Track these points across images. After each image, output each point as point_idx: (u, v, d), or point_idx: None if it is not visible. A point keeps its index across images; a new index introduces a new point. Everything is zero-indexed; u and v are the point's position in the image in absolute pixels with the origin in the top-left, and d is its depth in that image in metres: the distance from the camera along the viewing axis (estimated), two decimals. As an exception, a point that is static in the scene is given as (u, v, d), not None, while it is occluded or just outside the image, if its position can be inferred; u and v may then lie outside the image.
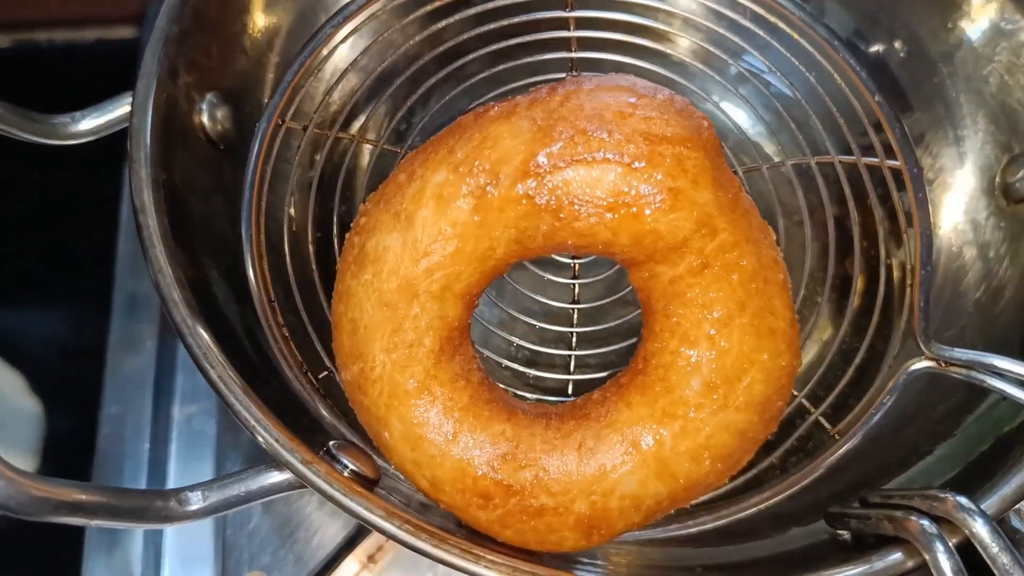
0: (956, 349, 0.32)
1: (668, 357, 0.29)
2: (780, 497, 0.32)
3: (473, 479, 0.29)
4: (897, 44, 0.38)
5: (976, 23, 0.37)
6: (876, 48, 0.39)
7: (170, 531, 0.37)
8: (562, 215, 0.27)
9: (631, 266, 0.29)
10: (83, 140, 0.32)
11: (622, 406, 0.29)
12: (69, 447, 0.43)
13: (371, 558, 0.36)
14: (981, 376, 0.31)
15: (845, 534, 0.29)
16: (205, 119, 0.34)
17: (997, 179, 0.37)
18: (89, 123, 0.32)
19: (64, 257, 0.48)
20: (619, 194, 0.27)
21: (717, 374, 0.28)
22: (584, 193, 0.27)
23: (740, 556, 0.30)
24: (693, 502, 0.30)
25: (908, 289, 0.34)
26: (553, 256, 0.37)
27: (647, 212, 0.27)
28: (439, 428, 0.29)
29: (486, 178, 0.28)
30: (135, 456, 0.38)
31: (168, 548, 0.37)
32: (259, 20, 0.36)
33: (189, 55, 0.33)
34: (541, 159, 0.27)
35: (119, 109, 0.32)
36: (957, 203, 0.38)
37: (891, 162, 0.36)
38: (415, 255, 0.28)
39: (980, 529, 0.25)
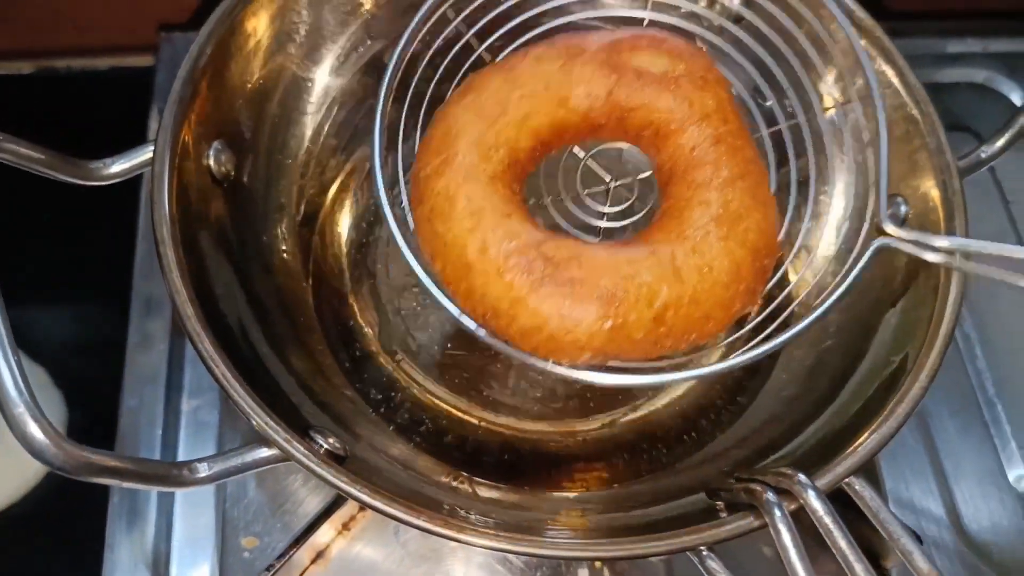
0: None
1: (684, 202, 0.37)
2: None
3: (519, 248, 0.34)
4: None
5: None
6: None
7: (179, 503, 0.44)
8: (624, 78, 0.37)
9: (662, 140, 0.38)
10: (113, 181, 0.39)
11: (644, 238, 0.37)
12: (91, 435, 0.49)
13: (345, 525, 0.43)
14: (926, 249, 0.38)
15: (720, 504, 0.36)
16: (211, 162, 0.42)
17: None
18: (118, 167, 0.39)
19: (86, 262, 0.54)
20: (667, 71, 0.37)
21: (723, 213, 0.36)
22: (645, 65, 0.37)
23: (637, 521, 0.38)
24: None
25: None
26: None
27: (685, 85, 0.37)
28: (499, 208, 0.36)
29: (575, 50, 0.38)
30: (149, 442, 0.46)
31: (177, 517, 0.44)
32: (258, 80, 0.44)
33: (200, 111, 0.41)
34: (619, 44, 0.38)
35: (142, 156, 0.39)
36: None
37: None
38: (512, 86, 0.37)
39: (812, 499, 0.33)
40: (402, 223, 0.37)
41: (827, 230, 0.47)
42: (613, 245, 0.36)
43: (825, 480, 0.34)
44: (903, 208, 0.44)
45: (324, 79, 0.46)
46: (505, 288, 0.34)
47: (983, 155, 0.43)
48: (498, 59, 0.40)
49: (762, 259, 0.36)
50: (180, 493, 0.44)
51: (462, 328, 0.36)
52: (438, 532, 0.32)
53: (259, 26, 0.42)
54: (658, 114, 0.38)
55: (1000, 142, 0.43)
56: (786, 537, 0.32)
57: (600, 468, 0.43)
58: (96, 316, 0.55)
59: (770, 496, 0.32)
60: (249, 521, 0.44)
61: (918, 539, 0.40)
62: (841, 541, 0.32)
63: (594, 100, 0.38)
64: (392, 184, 0.38)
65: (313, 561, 0.42)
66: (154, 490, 0.41)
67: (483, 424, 0.44)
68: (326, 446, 0.35)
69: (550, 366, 0.35)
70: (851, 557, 0.32)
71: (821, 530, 0.32)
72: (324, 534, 0.42)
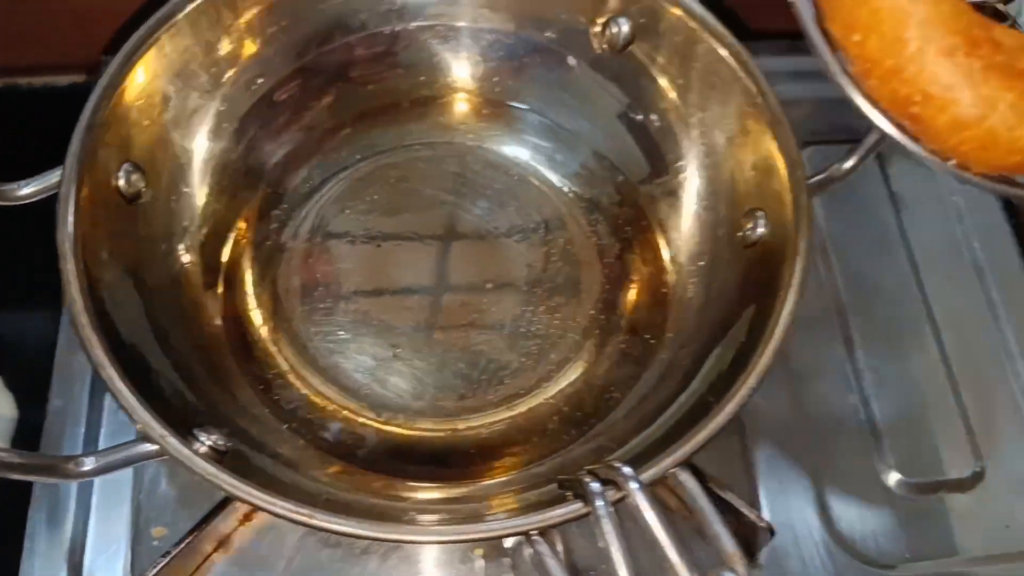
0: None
1: None
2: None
3: (966, 27, 0.30)
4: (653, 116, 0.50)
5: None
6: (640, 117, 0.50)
7: (96, 496, 0.48)
8: None
9: None
10: (27, 202, 0.43)
11: None
12: (38, 435, 0.52)
13: (247, 516, 0.47)
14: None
15: (568, 494, 0.39)
16: (121, 183, 0.46)
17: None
18: (29, 189, 0.43)
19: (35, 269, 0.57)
20: None
21: None
22: None
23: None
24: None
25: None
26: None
27: None
28: None
29: None
30: (72, 439, 0.49)
31: (94, 509, 0.48)
32: (165, 107, 0.48)
33: (110, 135, 0.45)
34: None
35: (53, 179, 0.43)
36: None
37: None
38: None
39: (634, 491, 0.36)
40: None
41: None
42: None
43: (648, 473, 0.37)
44: (761, 223, 0.47)
45: (219, 106, 0.50)
46: (945, 70, 0.30)
47: (835, 173, 0.46)
48: None
49: None
50: (98, 486, 0.48)
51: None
52: (300, 520, 0.35)
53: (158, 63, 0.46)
54: None
55: (850, 162, 0.46)
56: (606, 526, 0.35)
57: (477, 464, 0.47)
58: (47, 322, 0.58)
59: (594, 487, 0.36)
60: (160, 512, 0.48)
61: (771, 532, 0.44)
62: (659, 533, 0.35)
63: None
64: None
65: (215, 549, 0.46)
66: (43, 481, 0.45)
67: (373, 423, 0.48)
68: (208, 443, 0.39)
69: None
70: (668, 549, 0.35)
71: (640, 522, 0.36)
72: (226, 524, 0.46)
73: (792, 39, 0.66)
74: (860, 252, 0.61)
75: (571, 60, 0.52)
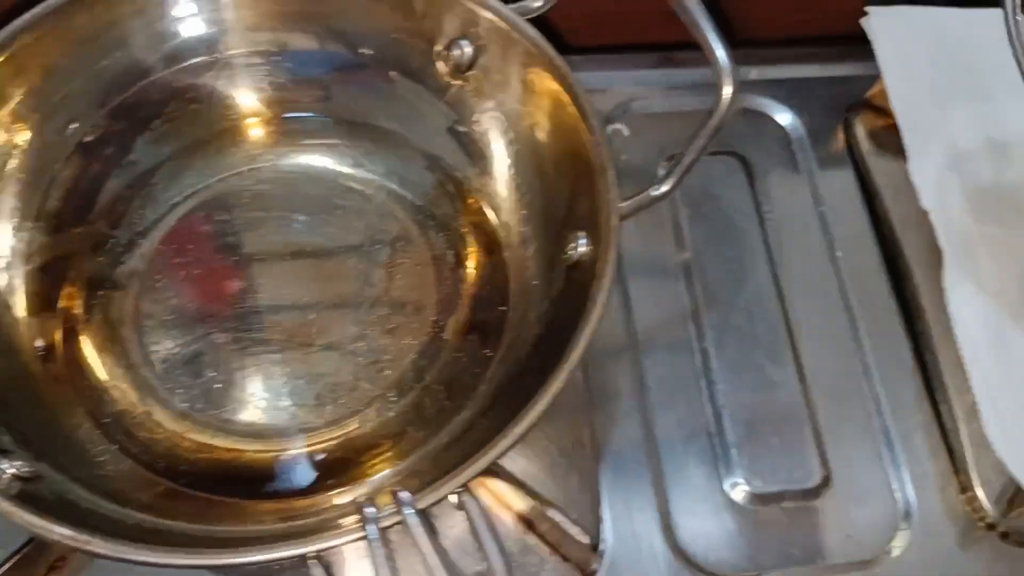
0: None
1: None
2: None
3: None
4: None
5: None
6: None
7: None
8: None
9: None
10: None
11: None
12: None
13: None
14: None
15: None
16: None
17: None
18: None
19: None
20: None
21: None
22: None
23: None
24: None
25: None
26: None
27: None
28: None
29: None
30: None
31: None
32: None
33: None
34: None
35: None
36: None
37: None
38: None
39: (407, 516, 0.37)
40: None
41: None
42: None
43: (426, 499, 0.38)
44: (583, 244, 0.48)
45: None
46: None
47: (652, 194, 0.47)
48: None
49: None
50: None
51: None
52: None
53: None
54: None
55: (665, 187, 0.47)
56: (375, 550, 0.36)
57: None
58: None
59: (369, 511, 0.37)
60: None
61: (593, 548, 0.44)
62: (430, 558, 0.36)
63: None
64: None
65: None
66: None
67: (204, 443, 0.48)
68: (11, 471, 0.40)
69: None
70: (437, 573, 0.36)
71: (412, 538, 0.37)
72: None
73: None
74: (721, 262, 0.61)
75: (393, 75, 0.53)
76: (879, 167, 0.63)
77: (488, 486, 0.50)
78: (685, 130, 0.64)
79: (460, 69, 0.53)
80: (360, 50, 0.53)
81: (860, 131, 0.66)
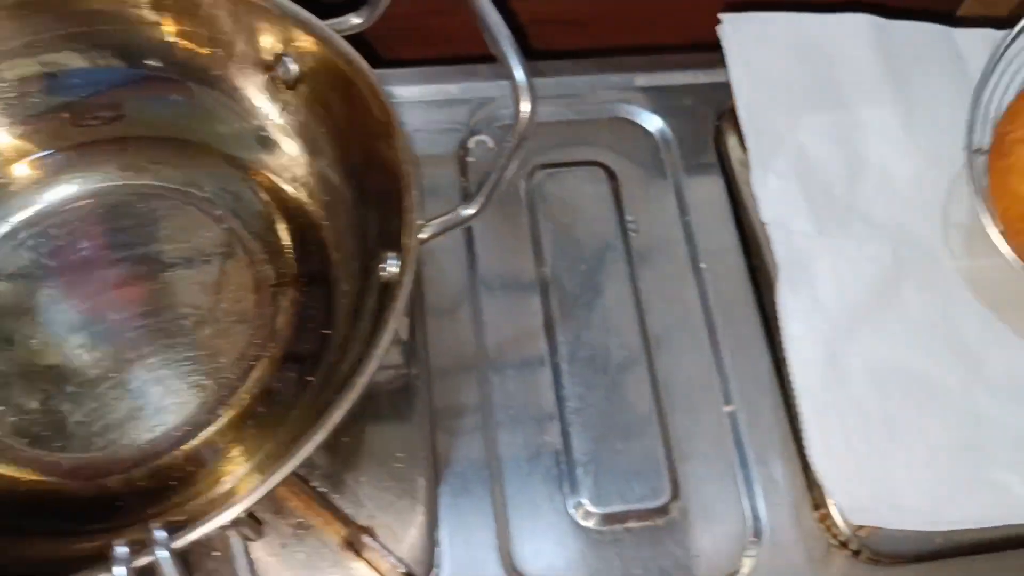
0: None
1: None
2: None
3: None
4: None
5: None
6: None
7: None
8: None
9: None
10: None
11: None
12: None
13: None
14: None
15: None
16: None
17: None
18: None
19: None
20: None
21: None
22: None
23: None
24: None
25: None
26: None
27: None
28: None
29: None
30: None
31: None
32: None
33: None
34: None
35: None
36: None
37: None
38: None
39: (159, 557, 0.36)
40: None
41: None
42: None
43: (182, 539, 0.37)
44: (392, 263, 0.47)
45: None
46: None
47: (460, 215, 0.46)
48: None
49: None
50: None
51: None
52: None
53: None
54: None
55: (472, 209, 0.46)
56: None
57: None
58: None
59: (119, 551, 0.36)
60: None
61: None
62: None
63: None
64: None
65: None
66: None
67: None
68: None
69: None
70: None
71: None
72: None
73: (579, 56, 0.67)
74: (580, 275, 0.60)
75: (191, 85, 0.52)
76: (748, 177, 0.62)
77: (313, 509, 0.49)
78: (551, 140, 0.64)
79: (286, 84, 0.52)
80: (147, 62, 0.51)
81: (731, 139, 0.65)
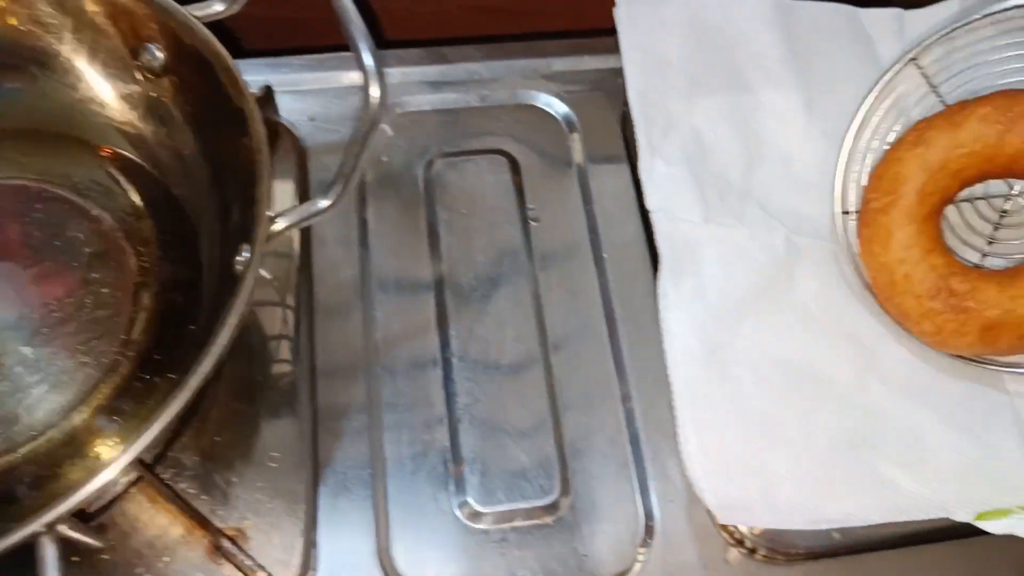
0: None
1: None
2: None
3: (934, 277, 0.48)
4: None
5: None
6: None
7: None
8: None
9: None
10: None
11: None
12: None
13: None
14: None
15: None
16: None
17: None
18: None
19: None
20: None
21: None
22: None
23: None
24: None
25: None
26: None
27: None
28: (924, 245, 0.49)
29: (1014, 115, 0.48)
30: None
31: None
32: None
33: None
34: None
35: None
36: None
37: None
38: (955, 144, 0.49)
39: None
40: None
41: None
42: (1003, 281, 0.48)
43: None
44: (247, 256, 0.45)
45: None
46: (917, 305, 0.49)
47: (314, 208, 0.44)
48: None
49: None
50: None
51: None
52: None
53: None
54: None
55: (327, 201, 0.44)
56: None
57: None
58: None
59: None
60: None
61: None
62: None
63: (1018, 162, 0.49)
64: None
65: None
66: None
67: None
68: None
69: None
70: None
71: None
72: None
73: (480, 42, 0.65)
74: (476, 267, 0.59)
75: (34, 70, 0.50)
76: (649, 164, 0.60)
77: (174, 513, 0.48)
78: (453, 128, 0.62)
79: (152, 72, 0.50)
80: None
81: (638, 126, 0.62)
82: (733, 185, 0.54)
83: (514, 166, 0.62)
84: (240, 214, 0.46)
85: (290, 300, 0.56)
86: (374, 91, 0.41)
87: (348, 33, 0.41)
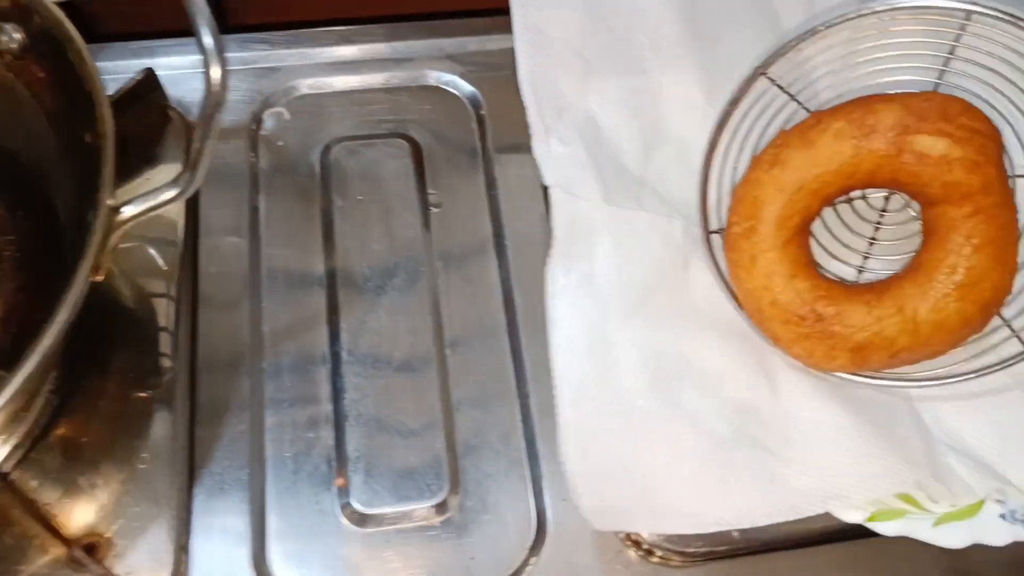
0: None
1: (935, 263, 0.46)
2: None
3: (799, 304, 0.47)
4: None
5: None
6: None
7: None
8: (904, 162, 0.46)
9: (929, 205, 0.47)
10: None
11: (897, 287, 0.46)
12: None
13: None
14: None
15: None
16: None
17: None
18: None
19: None
20: (944, 156, 0.45)
21: (965, 280, 0.45)
22: (924, 149, 0.45)
23: None
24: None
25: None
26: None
27: (956, 170, 0.45)
28: (787, 270, 0.47)
29: (867, 130, 0.46)
30: None
31: None
32: None
33: None
34: (905, 124, 0.45)
35: None
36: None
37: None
38: (810, 164, 0.47)
39: None
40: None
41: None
42: (871, 300, 0.47)
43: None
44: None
45: None
46: (785, 331, 0.47)
47: (162, 198, 0.41)
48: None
49: (991, 310, 0.47)
50: None
51: None
52: None
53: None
54: (928, 189, 0.46)
55: (174, 191, 0.41)
56: None
57: None
58: None
59: None
60: None
61: None
62: None
63: (878, 175, 0.47)
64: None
65: None
66: None
67: None
68: None
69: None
70: None
71: None
72: None
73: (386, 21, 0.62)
74: (370, 257, 0.56)
75: None
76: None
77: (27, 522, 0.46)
78: (352, 112, 0.60)
79: (12, 55, 0.47)
80: None
81: (546, 107, 0.60)
82: (630, 170, 0.52)
83: (416, 150, 0.59)
84: (90, 204, 0.43)
85: (172, 291, 0.53)
86: (215, 72, 0.39)
87: (189, 13, 0.38)
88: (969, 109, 0.46)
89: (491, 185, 0.58)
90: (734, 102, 0.51)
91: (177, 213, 0.55)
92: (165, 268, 0.54)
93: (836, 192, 0.48)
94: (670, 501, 0.44)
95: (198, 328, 0.53)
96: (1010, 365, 0.48)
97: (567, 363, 0.47)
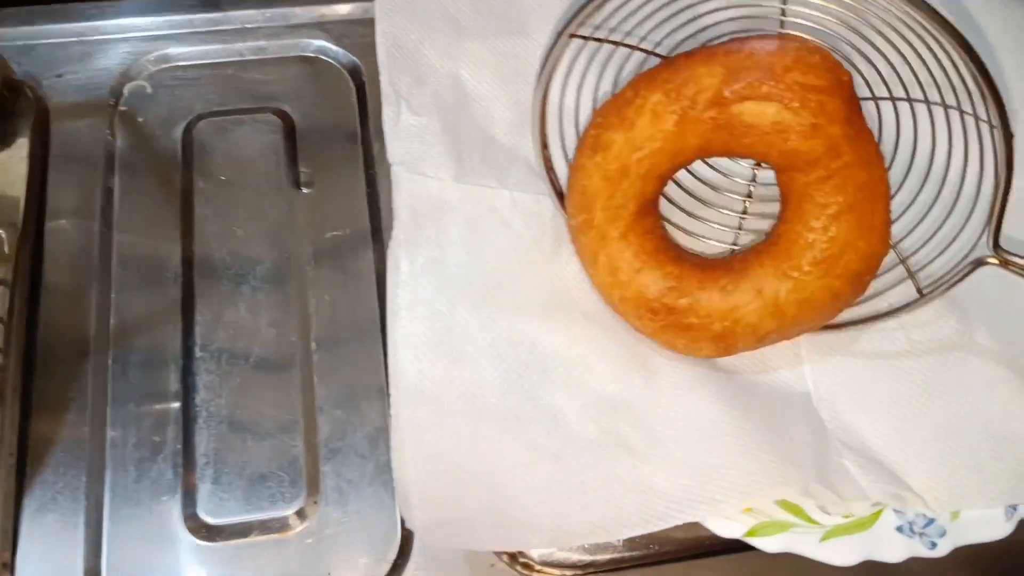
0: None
1: (793, 236, 0.41)
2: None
3: (647, 299, 0.42)
4: None
5: None
6: None
7: None
8: (735, 132, 0.40)
9: (778, 171, 0.42)
10: None
11: (756, 265, 0.42)
12: None
13: None
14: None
15: None
16: None
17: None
18: None
19: None
20: (776, 123, 0.39)
21: (825, 252, 0.41)
22: (753, 120, 0.39)
23: None
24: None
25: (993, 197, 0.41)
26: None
27: (793, 138, 0.39)
28: (631, 263, 0.43)
29: (688, 102, 0.40)
30: None
31: None
32: None
33: None
34: (727, 93, 0.39)
35: None
36: None
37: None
38: (632, 148, 0.41)
39: None
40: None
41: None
42: (727, 284, 0.42)
43: None
44: None
45: None
46: (642, 325, 0.44)
47: None
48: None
49: (864, 278, 0.42)
50: None
51: None
52: None
53: None
54: (768, 158, 0.41)
55: None
56: None
57: None
58: None
59: None
60: None
61: None
62: None
63: (710, 147, 0.42)
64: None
65: None
66: None
67: None
68: None
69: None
70: None
71: None
72: None
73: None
74: (231, 243, 0.52)
75: None
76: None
77: None
78: (219, 85, 0.55)
79: None
80: None
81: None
82: (498, 141, 0.47)
83: (288, 127, 0.55)
84: None
85: (8, 276, 0.48)
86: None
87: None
88: (800, 60, 0.40)
89: (370, 165, 0.54)
90: (548, 70, 0.45)
91: (19, 192, 0.50)
92: (6, 251, 0.49)
93: (669, 170, 0.43)
94: (519, 514, 0.40)
95: (38, 318, 0.48)
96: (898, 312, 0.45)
97: (405, 358, 0.42)
